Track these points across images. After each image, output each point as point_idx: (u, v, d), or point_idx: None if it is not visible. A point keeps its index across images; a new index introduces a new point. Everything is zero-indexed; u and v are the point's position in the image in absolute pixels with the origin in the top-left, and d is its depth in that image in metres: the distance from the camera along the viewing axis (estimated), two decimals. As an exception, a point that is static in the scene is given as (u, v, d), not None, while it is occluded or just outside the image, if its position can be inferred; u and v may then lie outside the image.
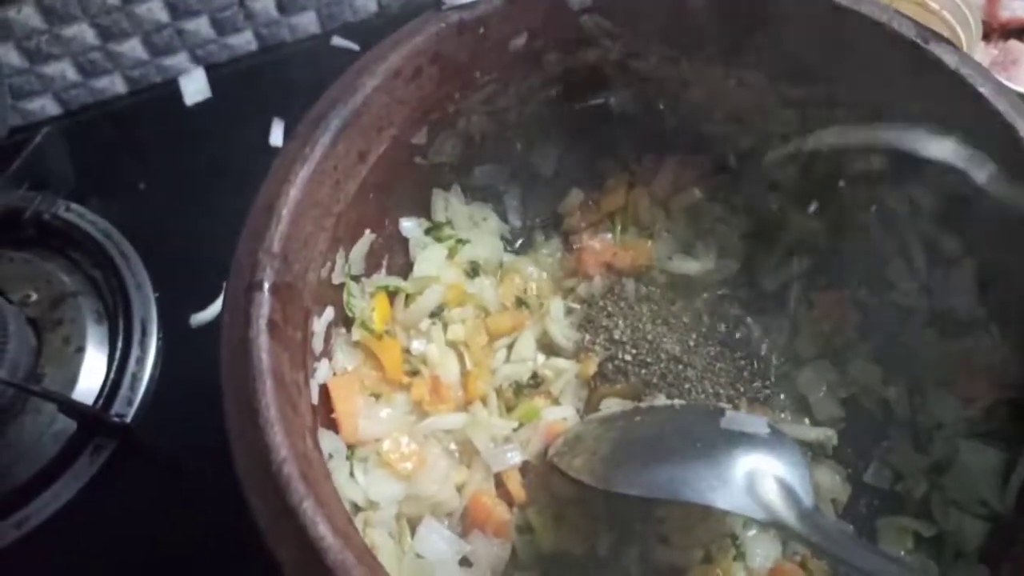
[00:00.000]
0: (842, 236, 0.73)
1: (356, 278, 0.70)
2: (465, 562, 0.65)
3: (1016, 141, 0.56)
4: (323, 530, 0.45)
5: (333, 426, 0.65)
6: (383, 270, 0.74)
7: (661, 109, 0.77)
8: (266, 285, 0.53)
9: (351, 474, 0.64)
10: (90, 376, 0.82)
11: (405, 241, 0.76)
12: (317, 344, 0.64)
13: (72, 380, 0.82)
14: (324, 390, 0.65)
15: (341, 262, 0.67)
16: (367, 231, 0.70)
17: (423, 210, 0.76)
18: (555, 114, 0.76)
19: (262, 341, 0.51)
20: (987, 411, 0.63)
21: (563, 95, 0.74)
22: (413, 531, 0.65)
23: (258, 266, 0.53)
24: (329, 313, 0.66)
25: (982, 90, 0.57)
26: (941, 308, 0.67)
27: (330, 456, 0.62)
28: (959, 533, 0.60)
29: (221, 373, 0.52)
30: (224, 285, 0.56)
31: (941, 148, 0.60)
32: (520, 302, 0.78)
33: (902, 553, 0.62)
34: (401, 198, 0.73)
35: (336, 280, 0.67)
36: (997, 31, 0.96)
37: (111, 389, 0.81)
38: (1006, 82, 0.78)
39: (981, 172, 0.59)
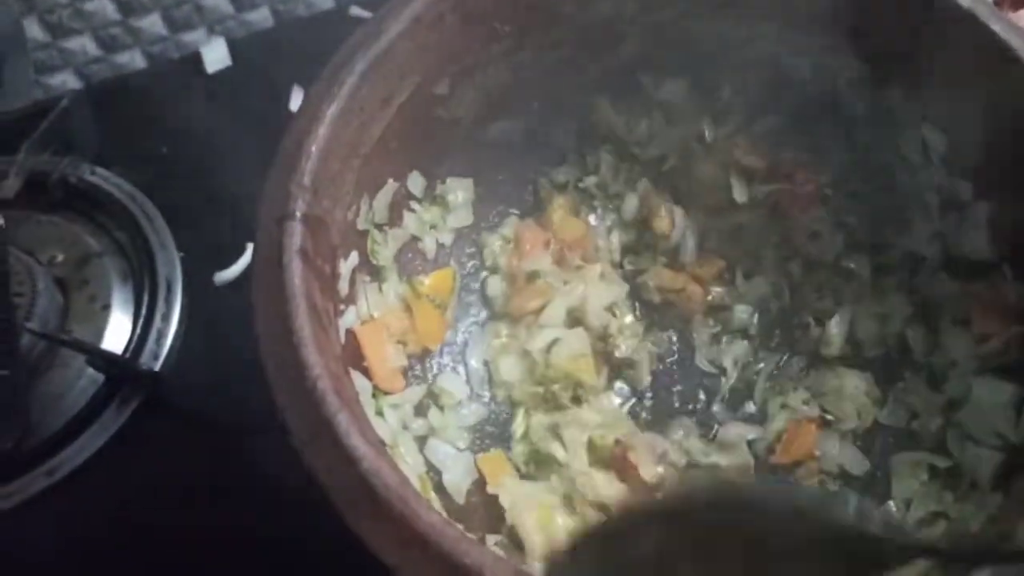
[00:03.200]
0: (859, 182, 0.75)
1: (380, 226, 0.72)
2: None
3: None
4: (357, 440, 0.47)
5: (360, 368, 0.67)
6: (406, 222, 0.76)
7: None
8: (298, 215, 0.55)
9: (378, 412, 0.66)
10: (116, 333, 0.84)
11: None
12: (343, 287, 0.65)
13: (98, 337, 0.84)
14: (351, 336, 0.67)
15: (365, 208, 0.68)
16: (390, 180, 0.72)
17: (440, 168, 0.78)
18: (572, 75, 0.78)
19: (295, 266, 0.53)
20: (1001, 347, 0.64)
21: (578, 53, 0.75)
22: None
23: (291, 197, 0.55)
24: (354, 258, 0.67)
25: (995, 28, 0.59)
26: (955, 251, 0.68)
27: (357, 394, 0.64)
28: (974, 465, 0.61)
29: (253, 299, 0.54)
30: (257, 215, 0.57)
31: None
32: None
33: (917, 485, 0.63)
34: (424, 151, 0.75)
35: (360, 226, 0.68)
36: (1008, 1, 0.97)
37: (137, 344, 0.83)
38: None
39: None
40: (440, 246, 0.77)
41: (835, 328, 0.73)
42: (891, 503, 0.64)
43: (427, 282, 0.74)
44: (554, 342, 0.73)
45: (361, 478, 0.46)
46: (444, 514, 0.60)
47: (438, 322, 0.73)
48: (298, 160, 0.56)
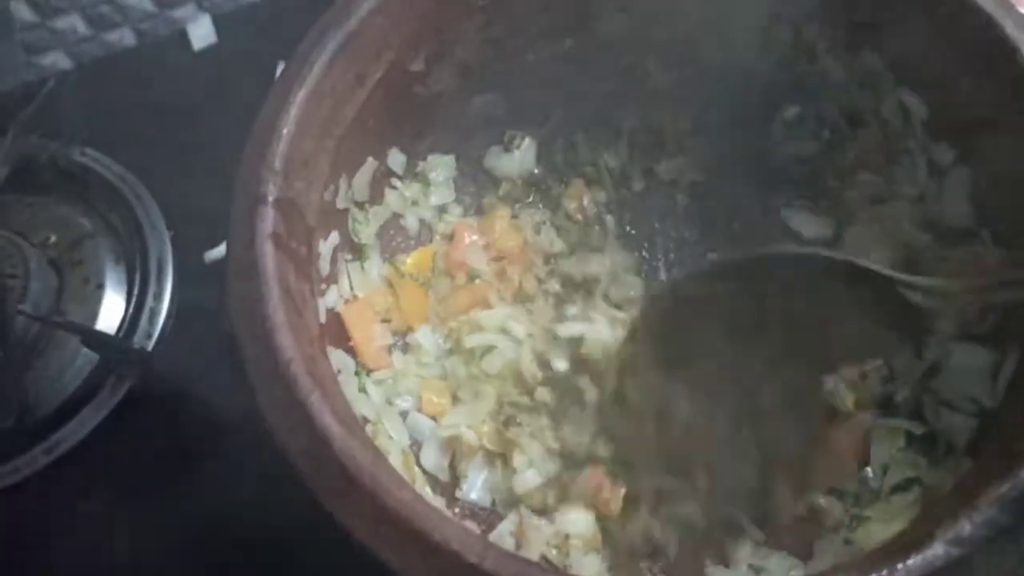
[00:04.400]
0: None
1: (361, 204, 0.72)
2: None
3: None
4: (329, 420, 0.48)
5: (345, 347, 0.68)
6: (388, 199, 0.76)
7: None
8: (270, 199, 0.55)
9: (361, 389, 0.67)
10: (110, 313, 0.86)
11: (413, 172, 0.78)
12: (324, 266, 0.66)
13: (93, 317, 0.85)
14: (335, 316, 0.68)
15: (344, 187, 0.69)
16: (369, 158, 0.72)
17: (420, 145, 0.78)
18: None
19: (267, 250, 0.54)
20: (980, 313, 0.64)
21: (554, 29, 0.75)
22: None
23: (261, 182, 0.56)
24: (334, 237, 0.68)
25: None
26: (935, 215, 0.68)
27: (338, 371, 0.65)
28: (949, 431, 0.62)
29: (227, 284, 0.54)
30: (232, 199, 0.58)
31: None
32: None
33: (894, 452, 0.64)
34: (404, 129, 0.75)
35: (340, 205, 0.69)
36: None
37: (130, 323, 0.84)
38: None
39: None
40: (422, 223, 0.78)
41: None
42: (868, 470, 0.65)
43: (409, 261, 0.75)
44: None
45: (333, 457, 0.47)
46: (428, 488, 0.63)
47: (421, 300, 0.74)
48: (268, 144, 0.57)
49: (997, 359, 0.61)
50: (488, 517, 0.67)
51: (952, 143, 0.67)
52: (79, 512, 0.78)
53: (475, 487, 0.68)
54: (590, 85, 0.80)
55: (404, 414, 0.69)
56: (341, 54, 0.61)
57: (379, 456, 0.49)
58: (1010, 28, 0.57)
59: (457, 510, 0.67)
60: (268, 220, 0.54)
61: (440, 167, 0.78)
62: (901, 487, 0.62)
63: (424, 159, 0.78)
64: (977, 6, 0.57)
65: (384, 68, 0.67)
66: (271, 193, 0.55)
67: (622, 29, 0.77)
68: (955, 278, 0.66)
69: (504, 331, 0.71)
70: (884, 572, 0.42)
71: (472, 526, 0.65)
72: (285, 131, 0.57)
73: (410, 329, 0.73)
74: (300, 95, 0.59)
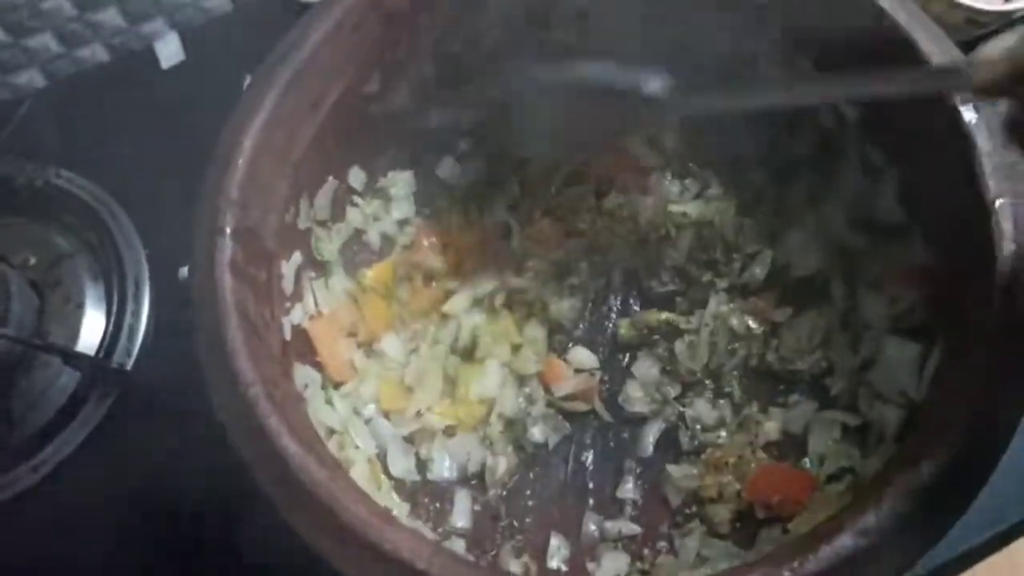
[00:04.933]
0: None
1: (323, 223, 0.75)
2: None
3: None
4: (287, 440, 0.51)
5: (311, 363, 0.71)
6: (351, 216, 0.79)
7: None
8: (228, 231, 0.58)
9: (328, 402, 0.70)
10: (91, 330, 0.89)
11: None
12: (287, 286, 0.70)
13: (74, 335, 0.88)
14: (301, 332, 0.71)
15: (306, 207, 0.72)
16: (330, 178, 0.75)
17: (380, 162, 0.81)
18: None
19: (226, 280, 0.57)
20: (909, 308, 0.67)
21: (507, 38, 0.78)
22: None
23: (219, 213, 0.59)
24: (297, 257, 0.71)
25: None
26: (869, 214, 0.72)
27: (305, 386, 0.68)
28: (881, 422, 0.65)
29: (194, 315, 0.58)
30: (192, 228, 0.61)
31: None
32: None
33: (830, 443, 0.68)
34: (362, 148, 0.78)
35: (302, 225, 0.72)
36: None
37: (111, 341, 0.87)
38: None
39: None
40: (384, 237, 0.81)
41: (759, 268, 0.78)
42: (806, 460, 0.69)
43: (370, 274, 0.78)
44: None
45: (292, 475, 0.51)
46: (394, 494, 0.67)
47: (384, 311, 0.77)
48: (225, 174, 0.60)
49: (924, 352, 0.64)
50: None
51: (884, 146, 0.70)
52: (67, 528, 0.81)
53: (443, 466, 0.72)
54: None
55: (369, 421, 0.72)
56: (294, 84, 0.64)
57: (336, 471, 0.52)
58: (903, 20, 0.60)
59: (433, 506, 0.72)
60: (226, 250, 0.58)
61: (400, 183, 0.81)
62: (835, 476, 0.66)
63: (384, 175, 0.81)
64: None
65: (338, 93, 0.70)
66: (228, 224, 0.59)
67: (573, 40, 0.80)
68: (888, 275, 0.71)
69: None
70: (795, 564, 0.46)
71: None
72: (241, 161, 0.60)
73: (376, 340, 0.76)
74: (255, 125, 0.62)
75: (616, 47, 0.79)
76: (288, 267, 0.70)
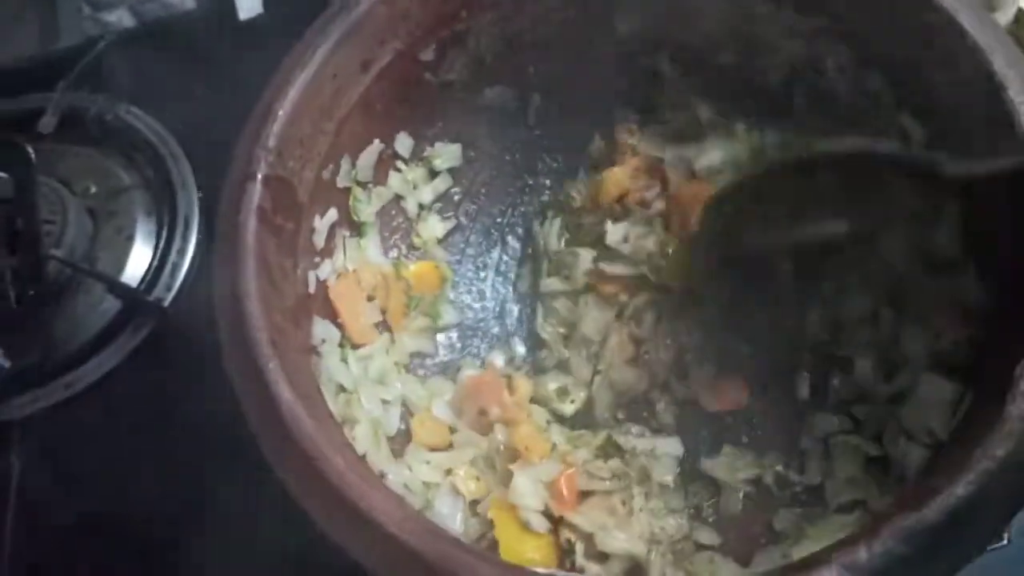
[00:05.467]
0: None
1: (364, 184, 0.76)
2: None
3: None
4: (282, 387, 0.52)
5: (333, 320, 0.72)
6: (397, 181, 0.80)
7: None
8: (259, 176, 0.59)
9: (343, 360, 0.70)
10: (136, 263, 0.91)
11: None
12: (318, 240, 0.70)
13: (120, 266, 0.91)
14: (326, 287, 0.72)
15: (347, 167, 0.72)
16: (376, 141, 0.75)
17: (429, 131, 0.80)
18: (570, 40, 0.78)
19: (250, 225, 0.57)
20: (952, 346, 0.64)
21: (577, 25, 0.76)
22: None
23: (253, 159, 0.59)
24: (332, 214, 0.72)
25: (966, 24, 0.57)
26: (927, 245, 0.68)
27: (322, 341, 0.69)
28: (904, 460, 0.62)
29: (215, 254, 0.59)
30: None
31: None
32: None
33: (854, 471, 0.65)
34: (413, 115, 0.78)
35: (341, 184, 0.72)
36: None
37: (153, 275, 0.90)
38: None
39: None
40: (421, 207, 0.81)
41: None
42: (826, 485, 0.66)
43: (412, 268, 0.78)
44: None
45: (279, 420, 0.51)
46: (394, 459, 0.66)
47: (404, 309, 0.77)
48: (264, 123, 0.61)
49: (959, 394, 0.61)
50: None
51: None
52: (89, 446, 0.84)
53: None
54: (603, 84, 0.82)
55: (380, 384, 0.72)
56: (346, 40, 0.64)
57: (325, 425, 0.52)
58: (999, 64, 0.56)
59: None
60: (255, 196, 0.58)
61: (446, 155, 0.81)
62: (846, 508, 0.63)
63: (432, 145, 0.80)
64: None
65: (390, 56, 0.69)
66: (261, 171, 0.59)
67: (639, 29, 0.78)
68: (938, 310, 0.67)
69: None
70: (773, 589, 0.44)
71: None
72: (281, 112, 0.61)
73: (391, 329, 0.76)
74: (300, 79, 0.62)
75: (682, 38, 0.78)
76: (322, 222, 0.70)
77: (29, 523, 0.82)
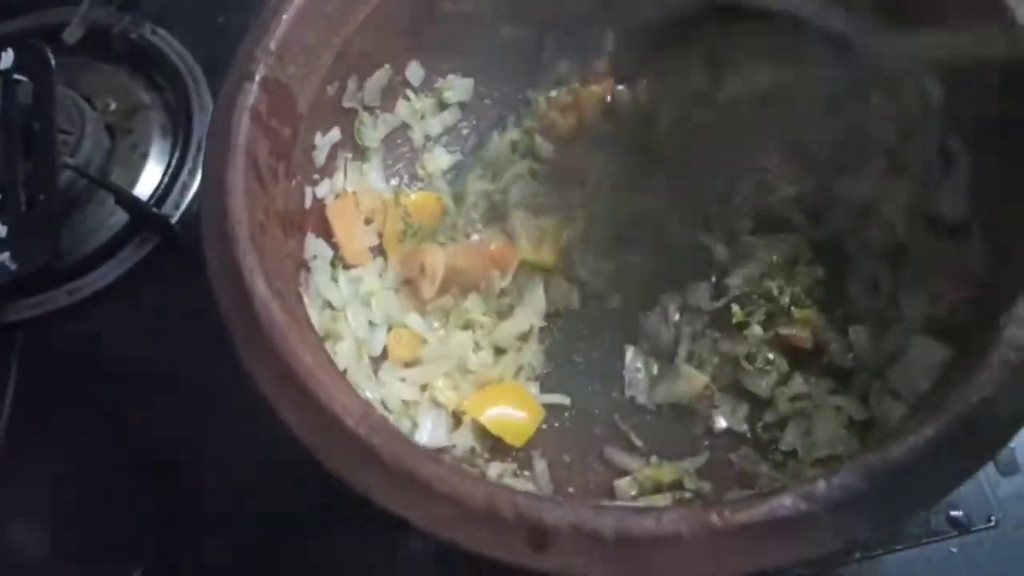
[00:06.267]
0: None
1: (371, 109, 0.75)
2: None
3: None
4: (257, 279, 0.52)
5: (327, 239, 0.72)
6: (404, 109, 0.79)
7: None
8: (257, 77, 0.59)
9: (333, 279, 0.70)
10: (148, 181, 0.92)
11: (434, 87, 0.81)
12: (318, 157, 0.70)
13: (133, 181, 0.92)
14: (323, 205, 0.72)
15: (353, 87, 0.72)
16: (387, 65, 0.75)
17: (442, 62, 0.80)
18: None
19: (243, 123, 0.57)
20: (949, 310, 0.62)
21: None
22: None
23: (252, 60, 0.59)
24: (336, 134, 0.72)
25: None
26: (931, 205, 0.66)
27: (314, 257, 0.69)
28: (887, 419, 0.61)
29: (206, 155, 0.59)
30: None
31: None
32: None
33: (838, 429, 0.64)
34: (427, 43, 0.77)
35: (347, 104, 0.72)
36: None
37: (163, 193, 0.91)
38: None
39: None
40: (427, 138, 0.80)
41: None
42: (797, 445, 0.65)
43: (412, 197, 0.77)
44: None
45: (252, 312, 0.51)
46: (375, 376, 0.66)
47: (399, 234, 0.76)
48: (267, 26, 0.60)
49: (953, 356, 0.59)
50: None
51: (964, 133, 0.64)
52: (86, 353, 0.86)
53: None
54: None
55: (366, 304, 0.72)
56: (355, -44, 0.64)
57: (296, 320, 0.52)
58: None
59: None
60: (250, 95, 0.58)
61: (457, 88, 0.80)
62: (822, 461, 0.62)
63: (444, 77, 0.80)
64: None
65: (402, -23, 0.69)
66: (260, 72, 0.59)
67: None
68: (938, 272, 0.65)
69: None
70: (726, 511, 0.43)
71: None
72: (285, 16, 0.61)
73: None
74: (308, -14, 0.62)
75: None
76: (323, 140, 0.70)
77: (28, 419, 0.84)
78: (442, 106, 0.80)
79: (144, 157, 0.94)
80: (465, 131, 0.82)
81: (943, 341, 0.61)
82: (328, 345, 0.64)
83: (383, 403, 0.66)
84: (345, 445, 0.47)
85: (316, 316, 0.63)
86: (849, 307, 0.69)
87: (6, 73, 0.86)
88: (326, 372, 0.50)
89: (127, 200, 0.88)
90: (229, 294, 0.52)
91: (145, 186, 0.92)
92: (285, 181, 0.63)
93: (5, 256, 0.84)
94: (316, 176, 0.70)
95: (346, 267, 0.72)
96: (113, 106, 0.97)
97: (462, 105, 0.81)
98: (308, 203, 0.69)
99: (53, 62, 0.87)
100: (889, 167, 0.69)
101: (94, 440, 0.82)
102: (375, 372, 0.68)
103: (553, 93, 0.79)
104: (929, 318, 0.63)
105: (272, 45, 0.60)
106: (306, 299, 0.63)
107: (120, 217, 0.90)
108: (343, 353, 0.65)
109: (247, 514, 0.74)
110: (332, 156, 0.72)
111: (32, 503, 0.81)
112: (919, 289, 0.65)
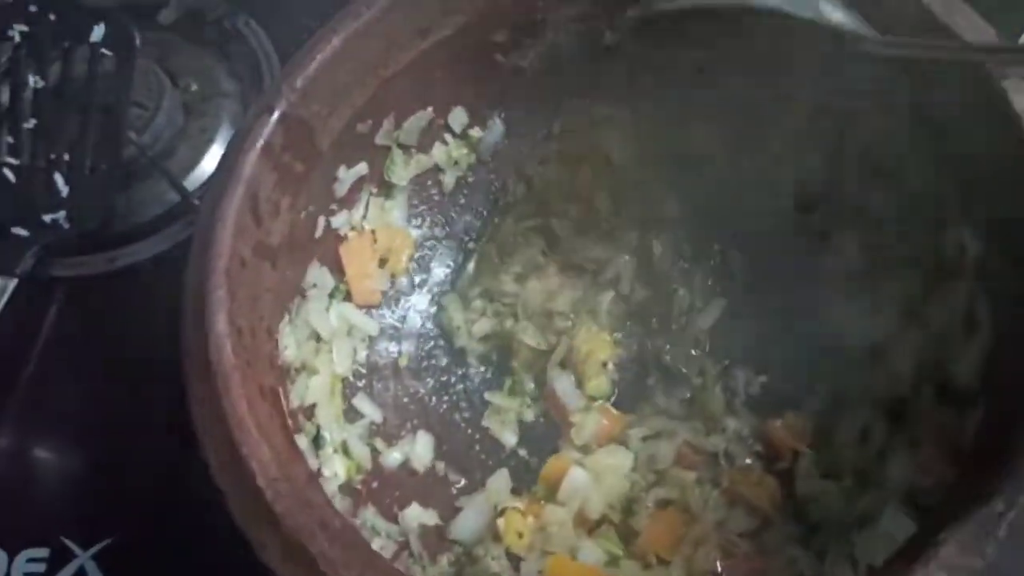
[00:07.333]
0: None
1: (406, 148, 0.76)
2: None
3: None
4: (219, 318, 0.53)
5: (334, 270, 0.73)
6: (442, 153, 0.80)
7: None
8: (276, 112, 0.60)
9: (327, 309, 0.72)
10: (208, 164, 0.96)
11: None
12: (339, 189, 0.71)
13: (195, 163, 0.96)
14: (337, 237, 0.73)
15: (389, 126, 0.73)
16: (429, 108, 0.75)
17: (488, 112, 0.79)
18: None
19: (251, 156, 0.59)
20: (934, 485, 0.58)
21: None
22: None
23: (276, 94, 0.61)
24: (362, 167, 0.73)
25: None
26: (946, 369, 0.62)
27: (314, 286, 0.70)
28: (838, 582, 0.57)
29: (208, 183, 0.60)
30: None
31: None
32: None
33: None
34: (475, 91, 0.77)
35: (379, 141, 0.73)
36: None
37: (217, 180, 0.94)
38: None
39: None
40: (459, 181, 0.80)
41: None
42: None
43: None
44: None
45: (206, 353, 0.52)
46: (341, 417, 0.67)
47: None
48: (300, 63, 0.62)
49: (919, 536, 0.55)
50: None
51: (992, 297, 0.60)
52: (116, 320, 0.90)
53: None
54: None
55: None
56: (402, 4, 0.64)
57: (252, 361, 0.54)
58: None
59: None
60: (264, 130, 0.60)
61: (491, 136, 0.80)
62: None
63: (485, 126, 0.79)
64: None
65: (454, 29, 0.69)
66: (280, 107, 0.60)
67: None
68: (936, 441, 0.61)
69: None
70: None
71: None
72: (319, 57, 0.62)
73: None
74: (349, 27, 0.63)
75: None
76: (348, 173, 0.71)
77: (57, 364, 0.89)
78: (475, 152, 0.80)
79: (210, 141, 0.98)
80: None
81: (912, 516, 0.57)
82: (301, 379, 0.65)
83: (344, 446, 0.67)
84: (252, 502, 0.48)
85: (293, 350, 0.64)
86: (835, 455, 0.65)
87: (95, 45, 0.91)
88: (257, 423, 0.51)
89: (178, 186, 0.92)
90: (191, 327, 0.54)
91: (204, 169, 0.96)
92: (290, 214, 0.64)
93: (61, 215, 0.90)
94: (334, 207, 0.72)
95: (351, 302, 0.74)
96: (194, 87, 1.01)
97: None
98: (319, 232, 0.70)
99: (138, 41, 0.92)
100: (907, 314, 0.65)
101: (116, 401, 0.87)
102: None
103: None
104: (911, 488, 0.59)
105: (299, 83, 0.61)
106: (286, 331, 0.64)
107: (173, 195, 0.94)
108: (315, 388, 0.66)
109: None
110: (356, 189, 0.73)
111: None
112: (910, 455, 0.61)
